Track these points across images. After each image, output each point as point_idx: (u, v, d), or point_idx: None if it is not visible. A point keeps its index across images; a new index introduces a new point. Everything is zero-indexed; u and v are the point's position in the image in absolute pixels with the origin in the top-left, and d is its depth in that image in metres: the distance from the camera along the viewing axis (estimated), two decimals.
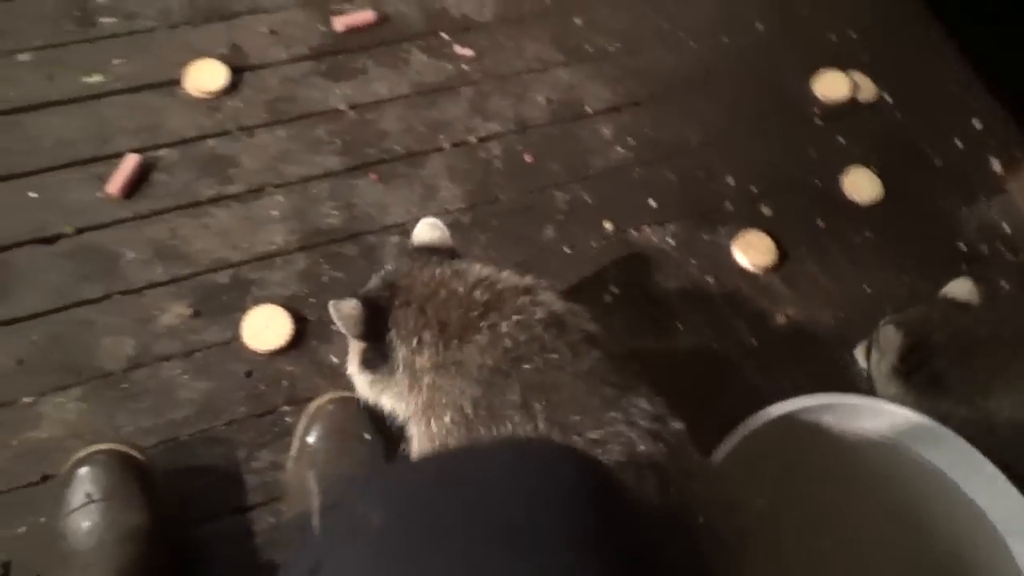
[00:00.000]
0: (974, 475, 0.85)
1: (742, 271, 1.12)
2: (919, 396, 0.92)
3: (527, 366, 0.69)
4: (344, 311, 0.75)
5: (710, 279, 1.10)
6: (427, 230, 0.84)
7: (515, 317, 0.72)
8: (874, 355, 0.98)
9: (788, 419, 0.85)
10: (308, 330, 0.99)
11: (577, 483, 0.38)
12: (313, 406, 0.89)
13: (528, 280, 0.77)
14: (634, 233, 1.13)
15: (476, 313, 0.73)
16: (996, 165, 1.26)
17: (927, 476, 0.87)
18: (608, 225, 1.12)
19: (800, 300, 1.10)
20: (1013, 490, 0.82)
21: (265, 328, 0.97)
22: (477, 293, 0.74)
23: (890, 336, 0.93)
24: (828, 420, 0.88)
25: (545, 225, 1.11)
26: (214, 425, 0.92)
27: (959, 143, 1.29)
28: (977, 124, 1.32)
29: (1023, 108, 1.33)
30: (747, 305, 1.09)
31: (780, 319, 1.08)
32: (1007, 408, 0.89)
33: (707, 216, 1.16)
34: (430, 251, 0.81)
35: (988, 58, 1.39)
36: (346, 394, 0.89)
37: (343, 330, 0.76)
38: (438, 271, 0.77)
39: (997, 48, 1.39)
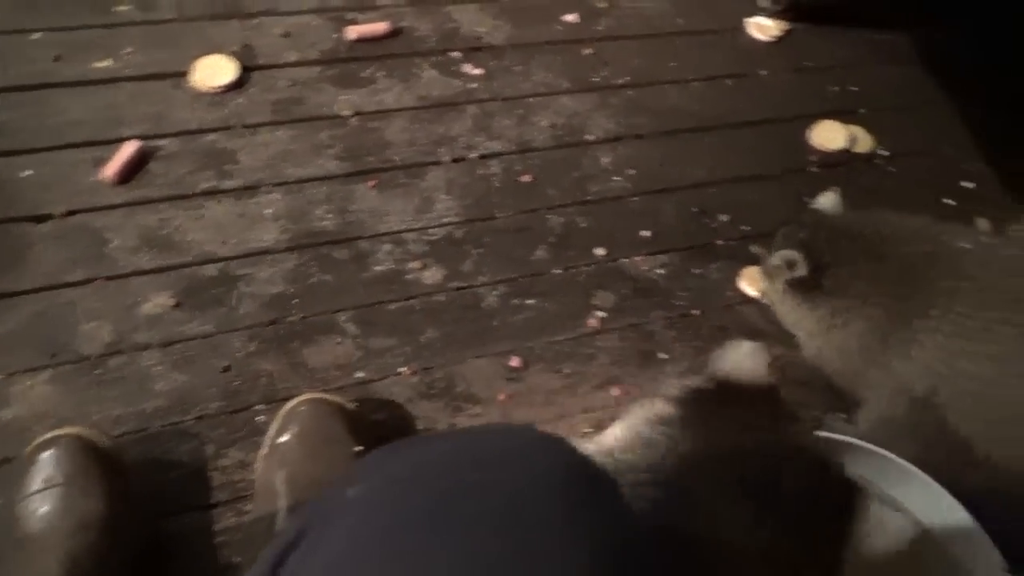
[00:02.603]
0: (943, 518, 0.84)
1: (728, 307, 1.12)
2: (815, 304, 0.95)
3: None
4: None
5: (696, 312, 1.11)
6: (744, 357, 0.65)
7: None
8: (767, 282, 1.01)
9: None
10: (291, 329, 0.98)
11: (566, 470, 0.38)
12: (288, 406, 0.87)
13: None
14: (626, 261, 1.13)
15: None
16: (983, 224, 1.28)
17: (899, 522, 0.86)
18: (600, 251, 1.13)
19: (787, 339, 1.10)
20: (986, 538, 0.81)
21: None
22: None
23: (788, 255, 0.94)
24: None
25: (538, 246, 1.12)
26: (185, 419, 0.91)
27: (949, 201, 1.31)
28: (968, 185, 1.34)
29: (1013, 174, 1.36)
30: (732, 341, 1.09)
31: None
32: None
33: (699, 251, 1.16)
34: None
35: (984, 124, 1.42)
36: (323, 396, 0.88)
37: None
38: None
39: (993, 115, 1.42)
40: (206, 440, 0.90)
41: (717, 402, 0.60)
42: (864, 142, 1.34)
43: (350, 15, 1.27)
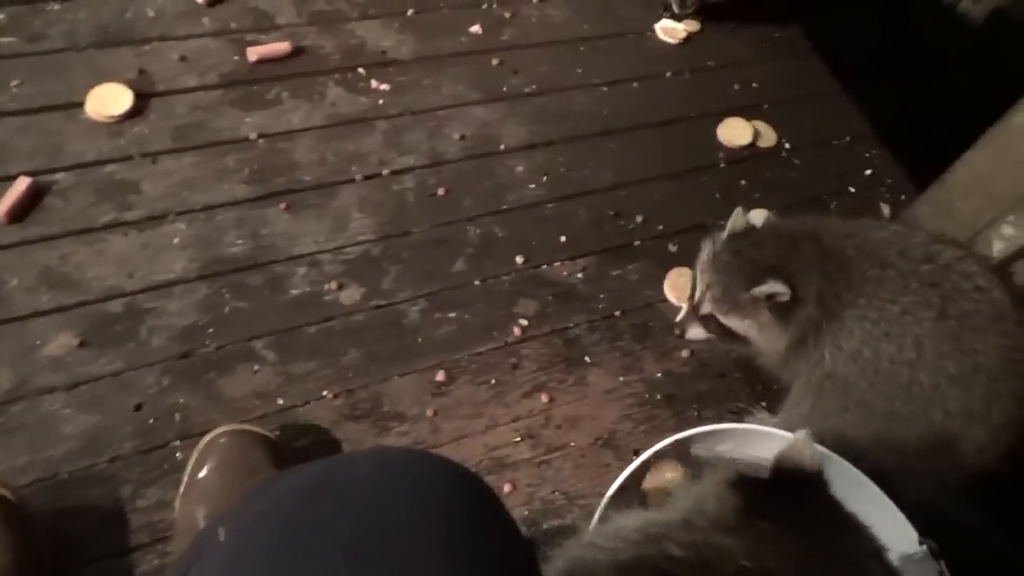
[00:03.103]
0: (862, 500, 0.87)
1: (649, 306, 1.14)
2: (789, 320, 0.92)
3: None
4: None
5: (617, 313, 1.12)
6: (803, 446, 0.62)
7: None
8: (741, 320, 0.97)
9: (683, 447, 0.86)
10: (206, 361, 0.95)
11: (436, 489, 0.38)
12: (206, 440, 0.85)
13: None
14: (545, 267, 1.14)
15: None
16: (885, 210, 1.34)
17: None
18: (520, 259, 1.13)
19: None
20: (899, 513, 0.85)
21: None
22: None
23: (771, 288, 0.91)
24: (723, 449, 0.90)
25: (456, 258, 1.11)
26: (98, 462, 0.87)
27: (852, 189, 1.37)
28: (868, 172, 1.41)
29: (910, 159, 1.43)
30: (653, 340, 1.11)
31: (684, 353, 1.11)
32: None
33: (616, 252, 1.18)
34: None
35: (876, 111, 1.49)
36: (243, 426, 0.86)
37: None
38: None
39: (884, 101, 1.50)
40: (122, 481, 0.86)
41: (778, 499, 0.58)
42: (768, 137, 1.39)
43: (250, 36, 1.25)
